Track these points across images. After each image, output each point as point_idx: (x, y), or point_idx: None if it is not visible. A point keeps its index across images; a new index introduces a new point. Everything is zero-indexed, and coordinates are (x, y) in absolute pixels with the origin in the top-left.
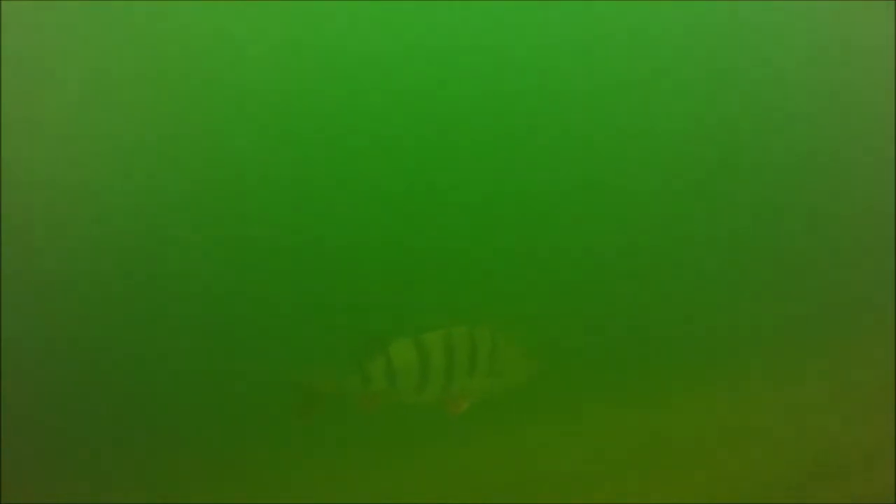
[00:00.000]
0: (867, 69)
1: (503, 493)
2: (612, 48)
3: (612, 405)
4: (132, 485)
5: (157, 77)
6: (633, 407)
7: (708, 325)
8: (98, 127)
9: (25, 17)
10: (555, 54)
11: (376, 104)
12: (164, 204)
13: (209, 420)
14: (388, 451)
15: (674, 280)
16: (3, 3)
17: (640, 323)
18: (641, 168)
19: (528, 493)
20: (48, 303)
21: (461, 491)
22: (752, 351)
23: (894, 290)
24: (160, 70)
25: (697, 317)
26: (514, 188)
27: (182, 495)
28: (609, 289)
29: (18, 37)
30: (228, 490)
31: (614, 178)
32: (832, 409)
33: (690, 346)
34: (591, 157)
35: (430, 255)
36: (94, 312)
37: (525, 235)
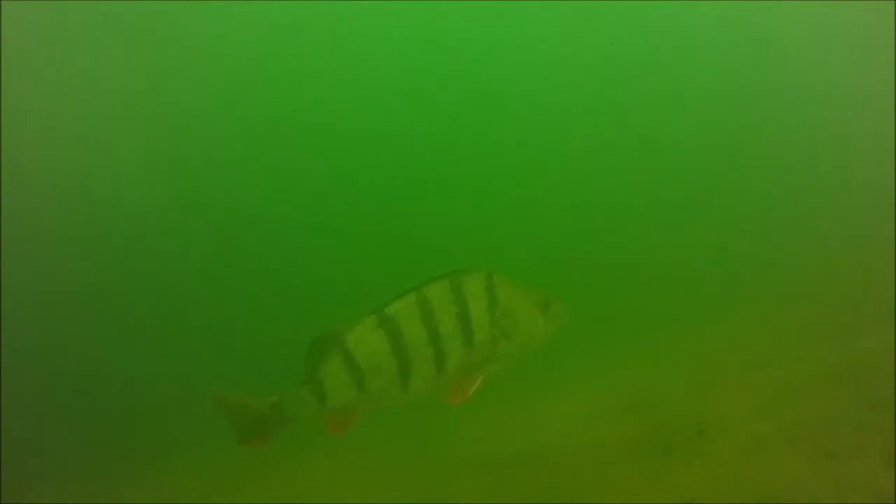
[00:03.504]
0: (867, 69)
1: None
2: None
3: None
4: (132, 484)
5: (156, 78)
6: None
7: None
8: (98, 126)
9: (25, 17)
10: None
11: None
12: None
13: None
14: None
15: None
16: (2, 3)
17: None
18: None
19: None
20: (48, 306)
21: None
22: None
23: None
24: (160, 70)
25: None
26: None
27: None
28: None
29: (18, 37)
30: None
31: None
32: None
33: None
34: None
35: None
36: (90, 316)
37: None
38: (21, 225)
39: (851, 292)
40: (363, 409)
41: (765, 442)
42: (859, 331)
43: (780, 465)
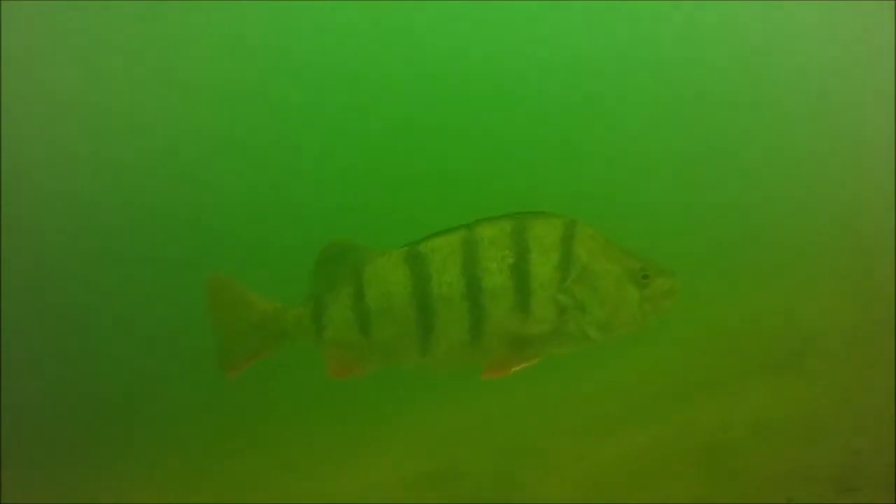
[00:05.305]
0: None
1: None
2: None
3: None
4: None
5: (160, 78)
6: None
7: None
8: (99, 127)
9: (25, 17)
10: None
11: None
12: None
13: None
14: None
15: None
16: (2, 2)
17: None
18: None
19: None
20: (48, 303)
21: None
22: None
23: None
24: (163, 70)
25: None
26: None
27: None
28: None
29: (18, 37)
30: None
31: None
32: None
33: None
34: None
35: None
36: (90, 312)
37: None
38: (21, 227)
39: (735, 337)
40: (371, 360)
41: None
42: (736, 387)
43: None
